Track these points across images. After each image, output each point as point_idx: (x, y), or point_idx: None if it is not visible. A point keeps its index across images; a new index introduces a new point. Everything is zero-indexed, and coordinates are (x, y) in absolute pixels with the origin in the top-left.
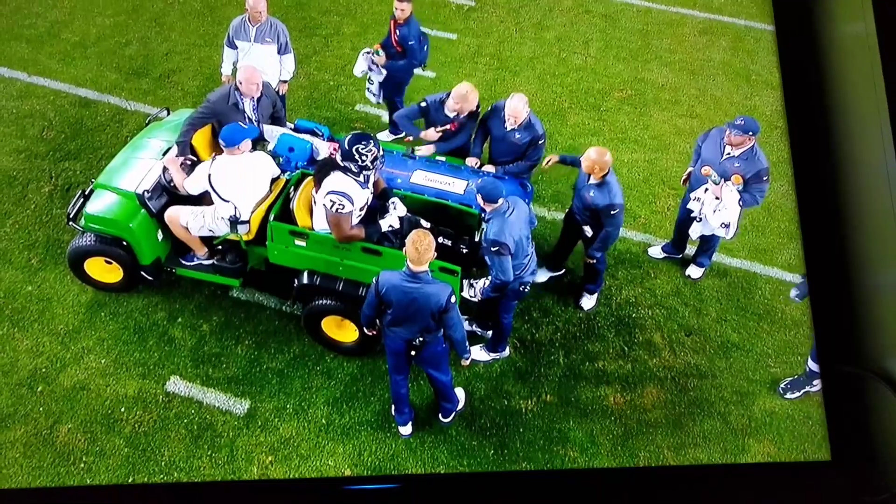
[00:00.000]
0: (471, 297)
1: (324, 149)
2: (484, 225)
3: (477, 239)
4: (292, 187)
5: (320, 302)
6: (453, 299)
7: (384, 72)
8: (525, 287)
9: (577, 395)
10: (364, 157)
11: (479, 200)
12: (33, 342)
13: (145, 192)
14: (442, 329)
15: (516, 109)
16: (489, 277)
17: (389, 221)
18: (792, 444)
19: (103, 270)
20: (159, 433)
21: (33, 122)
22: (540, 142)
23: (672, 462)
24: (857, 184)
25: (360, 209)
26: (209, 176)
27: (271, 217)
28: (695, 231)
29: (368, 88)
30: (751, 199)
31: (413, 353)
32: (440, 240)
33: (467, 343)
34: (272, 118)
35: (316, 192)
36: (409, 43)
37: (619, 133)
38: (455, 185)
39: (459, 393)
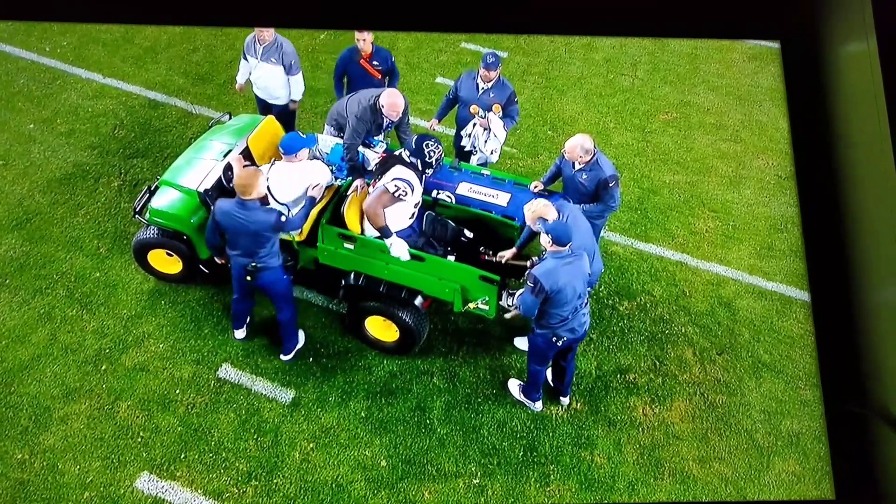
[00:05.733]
0: (508, 305)
1: (374, 159)
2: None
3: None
4: (344, 193)
5: (365, 302)
6: (283, 219)
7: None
8: (559, 341)
9: (606, 405)
10: (431, 154)
11: (547, 239)
12: (99, 324)
13: (206, 191)
14: (272, 256)
15: (571, 148)
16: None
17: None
18: (817, 464)
19: (165, 262)
20: (210, 415)
21: (106, 120)
22: (611, 184)
23: (696, 473)
24: (864, 215)
25: (415, 205)
26: (266, 179)
27: (323, 220)
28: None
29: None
30: (510, 120)
31: (249, 278)
32: (482, 249)
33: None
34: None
35: (375, 184)
36: (392, 62)
37: (662, 154)
38: (499, 198)
39: (300, 334)
